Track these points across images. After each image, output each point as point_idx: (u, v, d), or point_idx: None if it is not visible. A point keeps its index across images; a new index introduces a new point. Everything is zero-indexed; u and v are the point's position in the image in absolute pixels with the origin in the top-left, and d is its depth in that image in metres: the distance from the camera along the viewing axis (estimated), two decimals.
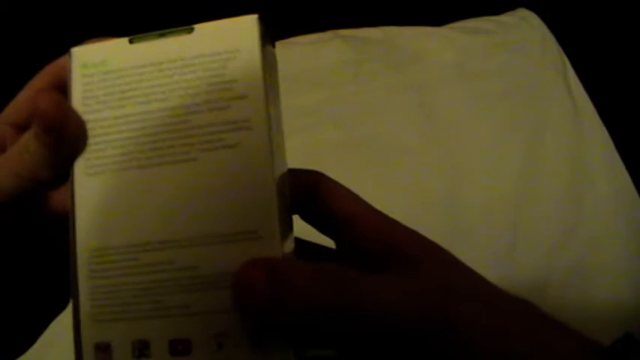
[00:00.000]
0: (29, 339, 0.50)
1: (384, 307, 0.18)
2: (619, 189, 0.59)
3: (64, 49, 0.23)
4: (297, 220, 0.23)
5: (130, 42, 0.22)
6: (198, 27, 0.21)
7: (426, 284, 0.20)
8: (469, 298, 0.19)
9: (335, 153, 0.63)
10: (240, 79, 0.21)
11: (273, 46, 0.23)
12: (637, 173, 0.59)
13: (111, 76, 0.22)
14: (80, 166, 0.21)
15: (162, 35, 0.22)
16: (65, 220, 0.21)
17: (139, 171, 0.21)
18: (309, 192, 0.23)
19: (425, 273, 0.20)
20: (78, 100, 0.22)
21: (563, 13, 0.71)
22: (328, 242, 0.24)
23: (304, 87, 0.67)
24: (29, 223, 0.25)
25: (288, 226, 0.21)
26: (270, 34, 0.22)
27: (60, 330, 0.51)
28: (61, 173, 0.21)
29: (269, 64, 0.22)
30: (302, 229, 0.23)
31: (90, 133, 0.21)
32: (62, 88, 0.22)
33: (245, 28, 0.21)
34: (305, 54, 0.70)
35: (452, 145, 0.63)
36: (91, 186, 0.21)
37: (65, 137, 0.20)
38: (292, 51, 0.70)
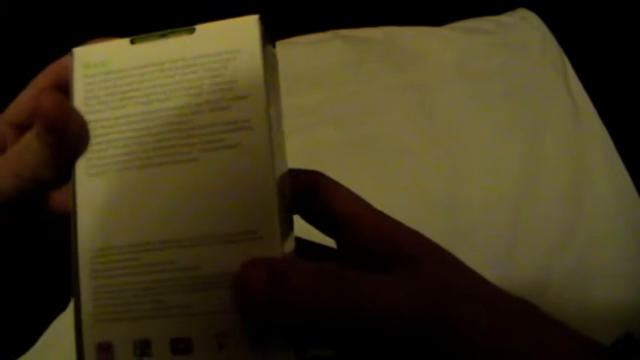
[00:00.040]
0: (30, 339, 0.50)
1: (384, 307, 0.18)
2: (619, 189, 0.59)
3: (64, 49, 0.23)
4: (298, 220, 0.23)
5: (132, 42, 0.22)
6: (199, 27, 0.21)
7: (426, 284, 0.20)
8: (469, 298, 0.19)
9: (335, 153, 0.63)
10: (241, 80, 0.21)
11: (274, 47, 0.23)
12: (637, 173, 0.59)
13: (112, 77, 0.22)
14: (82, 166, 0.21)
15: (163, 36, 0.22)
16: (66, 221, 0.21)
17: (140, 171, 0.21)
18: (309, 192, 0.23)
19: (425, 273, 0.20)
20: (80, 100, 0.22)
21: (563, 13, 0.71)
22: (329, 242, 0.24)
23: (304, 87, 0.67)
24: (30, 224, 0.25)
25: (288, 226, 0.21)
26: (271, 35, 0.22)
27: (61, 330, 0.51)
28: (63, 173, 0.21)
29: (270, 64, 0.22)
30: (303, 228, 0.23)
31: (91, 133, 0.21)
32: (64, 88, 0.22)
33: (246, 28, 0.21)
34: (305, 54, 0.70)
35: (452, 145, 0.63)
36: (92, 186, 0.21)
37: (67, 137, 0.20)
38: (292, 51, 0.70)
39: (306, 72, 0.68)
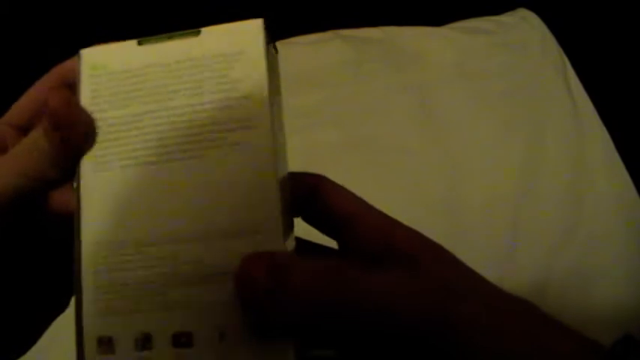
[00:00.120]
0: (30, 340, 0.50)
1: (384, 306, 0.18)
2: (619, 189, 0.59)
3: (64, 50, 0.23)
4: (299, 222, 0.23)
5: (139, 44, 0.22)
6: (205, 30, 0.22)
7: (426, 284, 0.20)
8: (469, 298, 0.19)
9: (335, 153, 0.63)
10: (245, 80, 0.21)
11: (275, 50, 0.23)
12: (637, 173, 0.59)
13: (119, 76, 0.22)
14: (86, 163, 0.22)
15: (170, 37, 0.22)
16: (65, 221, 0.21)
17: (144, 168, 0.21)
18: (310, 194, 0.24)
19: (425, 273, 0.20)
20: (86, 99, 0.22)
21: (563, 13, 0.71)
22: (330, 243, 0.24)
23: (304, 87, 0.67)
24: (30, 224, 0.25)
25: (289, 227, 0.22)
26: (272, 36, 0.23)
27: (60, 330, 0.51)
28: (67, 172, 0.21)
29: (272, 66, 0.22)
30: (304, 230, 0.24)
31: (97, 130, 0.22)
32: (69, 88, 0.22)
33: (251, 31, 0.22)
34: (305, 54, 0.70)
35: (452, 145, 0.63)
36: (96, 182, 0.21)
37: (74, 134, 0.20)
38: (292, 51, 0.70)
39: (306, 72, 0.68)
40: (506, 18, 0.74)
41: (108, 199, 0.21)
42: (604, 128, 0.63)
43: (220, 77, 0.21)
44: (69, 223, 0.21)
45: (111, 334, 0.20)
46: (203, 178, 0.21)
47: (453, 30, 0.73)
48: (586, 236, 0.57)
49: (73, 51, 0.24)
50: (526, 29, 0.71)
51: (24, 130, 0.24)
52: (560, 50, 0.69)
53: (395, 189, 0.60)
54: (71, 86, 0.23)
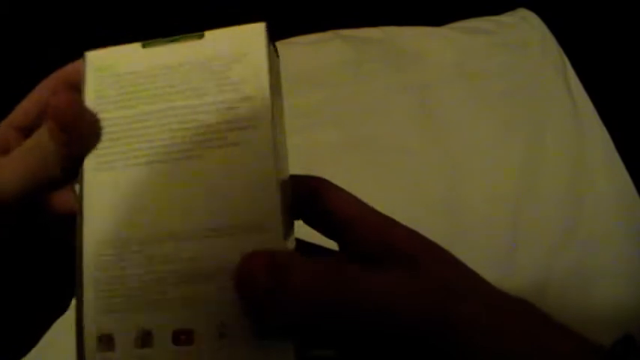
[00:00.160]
0: (30, 341, 0.50)
1: (384, 306, 0.18)
2: (619, 189, 0.59)
3: (64, 50, 0.24)
4: (300, 225, 0.24)
5: (143, 47, 0.23)
6: (208, 33, 0.23)
7: (426, 284, 0.20)
8: (469, 298, 0.19)
9: (335, 153, 0.63)
10: (247, 82, 0.22)
11: (277, 53, 0.24)
12: (637, 173, 0.59)
13: (123, 78, 0.23)
14: (90, 163, 0.22)
15: (173, 40, 0.23)
16: (66, 221, 0.22)
17: (146, 168, 0.21)
18: (311, 196, 0.24)
19: (425, 273, 0.20)
20: (91, 100, 0.23)
21: (563, 13, 0.71)
22: (331, 245, 0.24)
23: (304, 87, 0.67)
24: (31, 225, 0.25)
25: (290, 227, 0.22)
26: (273, 38, 0.23)
27: (60, 330, 0.51)
28: (71, 172, 0.21)
29: (273, 69, 0.23)
30: (305, 233, 0.24)
31: (102, 130, 0.22)
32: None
33: (253, 34, 0.22)
34: (305, 54, 0.70)
35: (452, 145, 0.63)
36: (99, 181, 0.22)
37: (79, 134, 0.20)
38: (292, 51, 0.70)
39: (306, 72, 0.68)
40: (506, 18, 0.74)
41: (110, 199, 0.21)
42: (604, 128, 0.63)
43: (223, 79, 0.22)
44: (69, 223, 0.22)
45: (111, 332, 0.20)
46: (204, 178, 0.21)
47: (453, 30, 0.73)
48: (586, 236, 0.57)
49: (73, 51, 0.24)
50: (526, 29, 0.71)
51: (27, 131, 0.24)
52: (560, 50, 0.69)
53: (395, 189, 0.60)
54: (74, 88, 0.23)
